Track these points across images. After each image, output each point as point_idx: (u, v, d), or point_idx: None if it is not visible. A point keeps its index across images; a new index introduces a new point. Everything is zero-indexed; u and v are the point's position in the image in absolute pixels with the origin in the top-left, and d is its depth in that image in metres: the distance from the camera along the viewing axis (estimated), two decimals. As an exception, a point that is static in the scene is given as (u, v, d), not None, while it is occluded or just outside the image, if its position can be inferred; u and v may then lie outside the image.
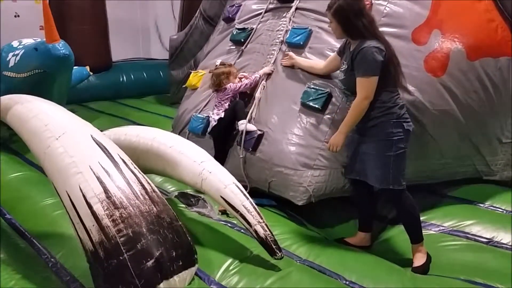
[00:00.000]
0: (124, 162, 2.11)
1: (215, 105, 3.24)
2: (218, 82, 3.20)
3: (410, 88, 2.79)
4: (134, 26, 9.61)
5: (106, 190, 1.95)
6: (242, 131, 3.02)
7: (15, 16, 7.68)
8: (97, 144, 2.12)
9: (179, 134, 3.45)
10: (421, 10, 2.91)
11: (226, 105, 3.18)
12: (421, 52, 2.85)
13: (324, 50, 3.01)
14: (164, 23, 8.87)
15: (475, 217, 2.80)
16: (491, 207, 2.97)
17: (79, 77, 5.23)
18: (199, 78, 3.71)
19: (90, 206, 1.93)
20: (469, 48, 2.92)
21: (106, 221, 1.90)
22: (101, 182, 1.97)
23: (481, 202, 3.02)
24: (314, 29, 3.10)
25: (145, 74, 6.79)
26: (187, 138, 3.34)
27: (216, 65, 3.34)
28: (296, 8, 3.23)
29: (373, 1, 2.92)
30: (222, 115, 3.17)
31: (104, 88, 6.31)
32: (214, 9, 5.09)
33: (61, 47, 3.85)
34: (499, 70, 3.01)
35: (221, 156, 3.08)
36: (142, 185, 2.05)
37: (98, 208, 1.92)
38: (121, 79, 6.56)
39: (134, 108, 5.89)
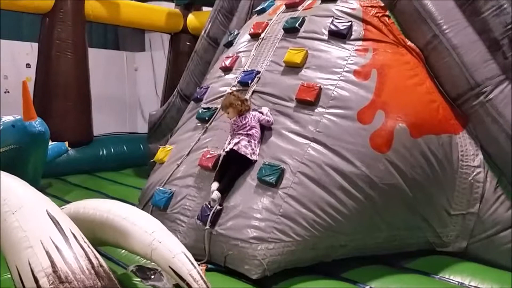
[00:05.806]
0: (75, 237, 2.21)
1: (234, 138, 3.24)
2: (238, 108, 3.24)
3: (357, 163, 3.00)
4: (123, 102, 10.34)
5: (53, 265, 2.03)
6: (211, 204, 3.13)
7: (5, 92, 8.10)
8: (51, 218, 2.24)
9: (143, 208, 3.56)
10: (366, 93, 3.18)
11: (236, 139, 3.18)
12: (367, 130, 3.08)
13: (280, 130, 3.24)
14: (149, 100, 9.58)
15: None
16: (444, 278, 3.05)
17: (57, 152, 5.41)
18: (166, 152, 3.89)
19: (36, 281, 2.01)
20: (412, 127, 3.16)
21: (50, 296, 1.96)
22: (49, 257, 2.06)
23: (435, 274, 3.10)
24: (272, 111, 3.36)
25: (125, 148, 7.02)
26: (151, 213, 3.46)
27: (233, 92, 3.35)
28: (255, 91, 3.52)
29: (322, 86, 3.21)
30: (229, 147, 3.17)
31: (84, 162, 6.49)
32: (190, 88, 5.46)
33: (37, 124, 4.07)
34: (442, 146, 3.23)
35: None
36: (89, 259, 2.13)
37: (44, 282, 1.99)
38: (100, 153, 6.77)
39: (111, 181, 6.01)
